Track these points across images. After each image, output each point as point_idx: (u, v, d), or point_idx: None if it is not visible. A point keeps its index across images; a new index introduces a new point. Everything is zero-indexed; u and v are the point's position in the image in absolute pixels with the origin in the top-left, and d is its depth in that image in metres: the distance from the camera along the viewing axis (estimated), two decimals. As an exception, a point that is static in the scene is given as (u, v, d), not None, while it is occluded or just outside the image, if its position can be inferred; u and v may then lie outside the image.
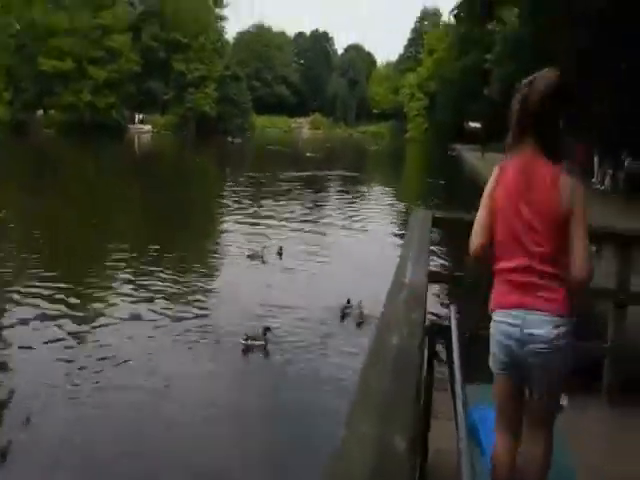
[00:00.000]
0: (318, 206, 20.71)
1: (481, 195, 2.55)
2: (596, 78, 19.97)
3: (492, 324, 2.36)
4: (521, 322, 2.25)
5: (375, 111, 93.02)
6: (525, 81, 2.37)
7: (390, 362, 1.82)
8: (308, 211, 19.16)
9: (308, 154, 45.77)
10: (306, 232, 15.33)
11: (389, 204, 22.65)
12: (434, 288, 7.05)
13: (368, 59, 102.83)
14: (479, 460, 2.51)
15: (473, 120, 53.29)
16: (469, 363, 4.57)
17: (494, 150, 39.90)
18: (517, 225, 2.28)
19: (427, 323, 3.22)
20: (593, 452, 3.55)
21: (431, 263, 11.44)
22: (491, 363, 2.41)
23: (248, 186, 25.25)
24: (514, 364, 2.33)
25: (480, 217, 2.40)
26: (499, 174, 2.41)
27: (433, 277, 4.66)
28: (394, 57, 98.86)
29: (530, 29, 25.47)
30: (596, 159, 22.10)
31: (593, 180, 21.46)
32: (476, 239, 2.41)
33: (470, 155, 39.15)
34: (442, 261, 12.12)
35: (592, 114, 22.17)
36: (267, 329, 7.65)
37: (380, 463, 1.27)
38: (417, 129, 76.98)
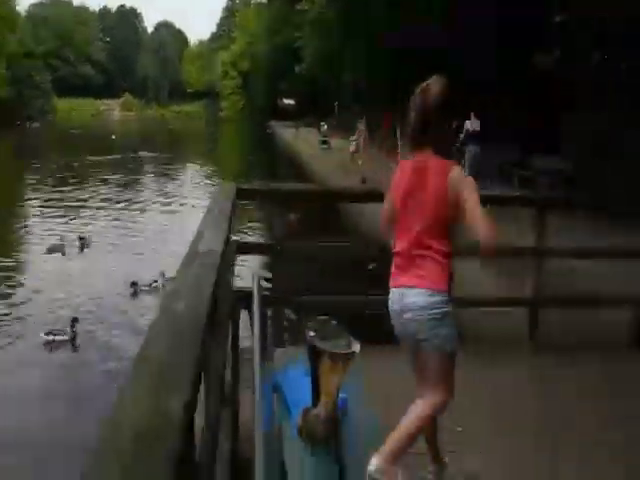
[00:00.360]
0: (130, 190, 19.74)
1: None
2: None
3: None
4: (401, 297, 2.60)
5: (189, 90, 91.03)
6: (418, 90, 2.59)
7: (172, 328, 1.78)
8: (117, 196, 18.24)
9: (114, 137, 43.24)
10: (114, 217, 14.64)
11: (205, 183, 22.24)
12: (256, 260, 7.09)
13: (180, 37, 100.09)
14: (288, 421, 2.56)
15: (287, 97, 54.23)
16: (282, 328, 4.74)
17: (307, 125, 41.24)
18: (406, 215, 2.61)
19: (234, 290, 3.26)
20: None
21: (247, 236, 11.72)
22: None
23: (48, 174, 23.24)
24: (402, 334, 2.70)
25: (384, 206, 2.78)
26: (399, 171, 2.70)
27: (243, 248, 4.70)
28: (206, 35, 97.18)
29: (337, 7, 26.38)
30: (398, 131, 23.88)
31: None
32: (382, 221, 2.81)
33: (285, 132, 39.84)
34: (255, 232, 12.21)
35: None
36: (74, 320, 7.24)
37: (152, 425, 1.22)
38: (232, 108, 76.73)
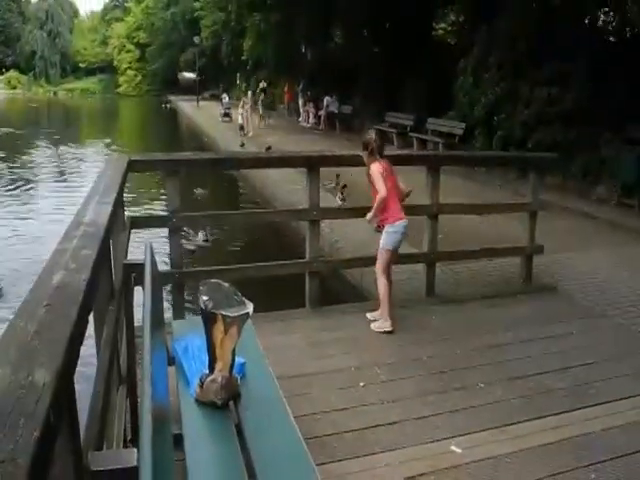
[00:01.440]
0: (21, 170, 18.41)
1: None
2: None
3: (398, 226, 4.39)
4: (406, 223, 4.46)
5: (82, 65, 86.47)
6: (376, 136, 4.60)
7: (47, 298, 1.69)
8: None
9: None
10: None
11: (104, 160, 21.14)
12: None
13: (69, 9, 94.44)
14: (185, 389, 2.52)
15: (187, 71, 52.69)
16: (182, 300, 4.64)
17: (207, 99, 40.32)
18: (391, 185, 4.44)
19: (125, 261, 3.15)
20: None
21: (146, 208, 11.29)
22: (391, 245, 4.42)
23: None
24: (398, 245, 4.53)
25: (382, 185, 4.35)
26: (381, 166, 4.42)
27: (137, 223, 4.56)
28: (99, 6, 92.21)
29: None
30: (300, 101, 24.19)
31: (299, 119, 23.85)
32: (383, 192, 4.33)
33: (186, 105, 38.85)
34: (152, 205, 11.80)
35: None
36: None
37: (15, 397, 1.15)
38: (130, 83, 73.68)
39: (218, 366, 2.34)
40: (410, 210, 5.58)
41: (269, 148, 15.00)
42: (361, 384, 3.59)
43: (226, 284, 2.40)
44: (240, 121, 20.65)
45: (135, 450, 1.48)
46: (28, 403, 1.14)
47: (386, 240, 4.40)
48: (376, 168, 4.37)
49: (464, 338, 4.34)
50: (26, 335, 1.44)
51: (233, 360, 2.35)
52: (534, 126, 11.14)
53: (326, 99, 21.67)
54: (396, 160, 5.84)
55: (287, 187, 10.53)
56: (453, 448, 2.99)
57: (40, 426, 1.08)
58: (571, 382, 3.70)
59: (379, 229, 4.46)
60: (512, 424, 3.23)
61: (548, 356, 4.06)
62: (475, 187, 10.48)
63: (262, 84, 26.08)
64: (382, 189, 4.30)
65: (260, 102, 23.37)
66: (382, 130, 16.90)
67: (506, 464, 2.88)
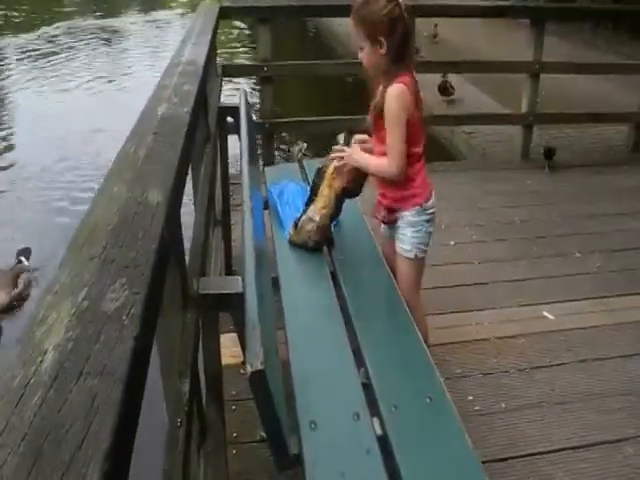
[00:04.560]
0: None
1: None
2: None
3: (431, 206, 2.21)
4: None
5: None
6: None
7: (154, 128, 1.68)
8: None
9: None
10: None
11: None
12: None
13: None
14: (280, 232, 2.54)
15: None
16: (273, 148, 4.62)
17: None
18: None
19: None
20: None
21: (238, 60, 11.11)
22: (425, 244, 2.23)
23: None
24: None
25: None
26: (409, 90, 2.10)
27: (229, 70, 4.50)
28: None
29: None
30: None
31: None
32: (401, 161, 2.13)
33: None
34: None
35: None
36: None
37: (130, 213, 1.16)
38: None
39: (317, 207, 2.30)
40: (507, 66, 5.25)
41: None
42: (451, 242, 3.54)
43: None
44: None
45: (240, 278, 1.50)
46: (145, 219, 1.14)
47: (417, 237, 2.21)
48: (402, 94, 2.04)
49: (561, 205, 4.15)
50: (137, 159, 1.45)
51: (340, 205, 2.30)
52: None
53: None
54: (489, 12, 5.38)
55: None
56: (545, 314, 2.94)
57: (156, 241, 1.08)
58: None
59: (390, 220, 2.30)
60: (609, 297, 3.10)
61: (651, 231, 3.83)
62: (575, 50, 9.58)
63: None
64: (402, 152, 2.08)
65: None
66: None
67: (601, 335, 2.80)
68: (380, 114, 2.06)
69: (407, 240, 2.21)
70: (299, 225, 2.33)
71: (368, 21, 2.00)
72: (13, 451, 0.55)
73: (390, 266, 2.30)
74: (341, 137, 2.28)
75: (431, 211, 2.21)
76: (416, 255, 2.21)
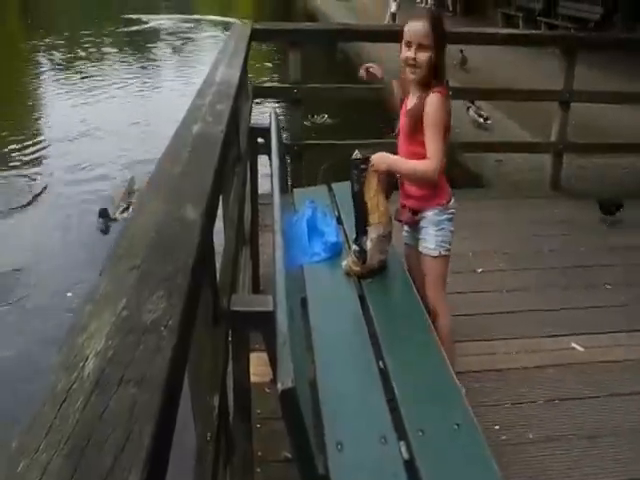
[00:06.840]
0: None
1: None
2: None
3: (452, 208, 2.36)
4: None
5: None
6: None
7: (189, 146, 1.72)
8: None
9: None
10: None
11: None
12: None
13: None
14: (310, 258, 2.54)
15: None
16: (301, 170, 4.64)
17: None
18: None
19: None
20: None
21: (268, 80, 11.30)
22: (449, 243, 2.36)
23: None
24: None
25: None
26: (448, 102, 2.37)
27: (259, 90, 4.57)
28: None
29: None
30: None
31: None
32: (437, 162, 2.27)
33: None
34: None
35: None
36: None
37: (167, 228, 1.18)
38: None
39: (374, 223, 2.29)
40: (537, 95, 5.24)
41: (394, 18, 14.52)
42: (479, 270, 3.51)
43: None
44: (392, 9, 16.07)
45: (270, 297, 1.50)
46: (181, 234, 1.17)
47: (441, 234, 2.33)
48: (443, 103, 2.22)
49: (590, 235, 4.09)
50: (173, 176, 1.47)
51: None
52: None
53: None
54: (524, 41, 5.39)
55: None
56: (574, 345, 2.89)
57: (193, 255, 1.09)
58: None
59: (413, 221, 2.41)
60: (640, 331, 3.04)
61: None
62: (606, 79, 9.48)
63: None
64: (442, 152, 2.24)
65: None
66: (507, 14, 15.53)
67: (632, 369, 2.74)
68: (417, 117, 2.22)
69: (431, 239, 2.32)
70: (368, 256, 2.30)
71: (441, 28, 2.23)
72: (57, 452, 0.56)
73: (413, 278, 2.36)
74: (357, 153, 2.31)
75: (452, 210, 2.36)
76: (440, 253, 2.33)
